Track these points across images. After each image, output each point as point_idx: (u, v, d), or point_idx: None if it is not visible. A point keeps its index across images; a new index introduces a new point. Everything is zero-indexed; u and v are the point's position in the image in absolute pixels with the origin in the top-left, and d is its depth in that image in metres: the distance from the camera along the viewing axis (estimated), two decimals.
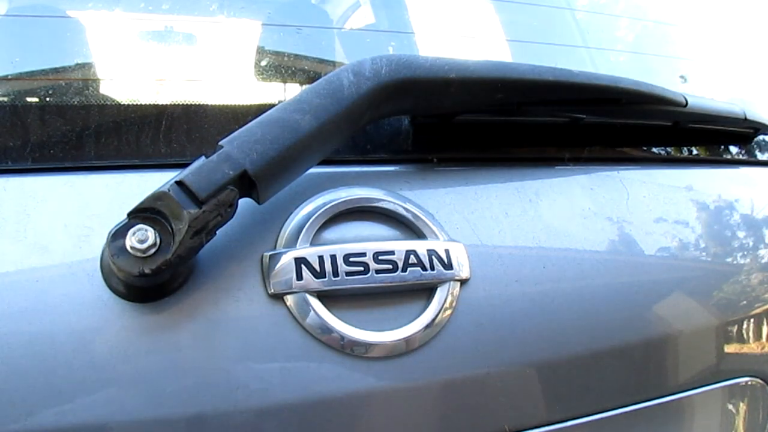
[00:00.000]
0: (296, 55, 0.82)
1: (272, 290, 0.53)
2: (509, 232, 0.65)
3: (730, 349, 0.77)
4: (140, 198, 0.48)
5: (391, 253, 0.56)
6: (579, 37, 1.09)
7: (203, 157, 0.49)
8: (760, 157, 0.97)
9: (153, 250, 0.46)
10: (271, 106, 0.54)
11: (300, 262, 0.54)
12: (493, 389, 0.60)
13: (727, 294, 0.77)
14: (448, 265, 0.58)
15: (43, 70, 0.69)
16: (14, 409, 0.45)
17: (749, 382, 0.78)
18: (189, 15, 0.88)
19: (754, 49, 1.23)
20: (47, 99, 0.63)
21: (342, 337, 0.54)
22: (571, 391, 0.64)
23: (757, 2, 1.36)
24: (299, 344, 0.53)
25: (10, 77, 0.67)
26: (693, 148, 0.93)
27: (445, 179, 0.67)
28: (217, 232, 0.49)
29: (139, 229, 0.46)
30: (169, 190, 0.47)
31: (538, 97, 0.68)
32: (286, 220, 0.57)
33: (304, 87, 0.56)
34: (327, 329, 0.53)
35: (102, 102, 0.64)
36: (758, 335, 0.79)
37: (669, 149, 0.90)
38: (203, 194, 0.47)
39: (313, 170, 0.58)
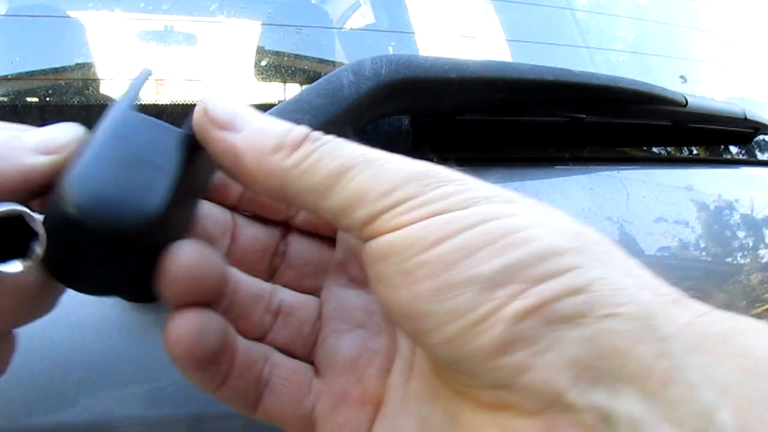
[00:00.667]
0: (296, 55, 0.82)
1: None
2: None
3: None
4: None
5: None
6: (579, 37, 1.09)
7: None
8: (760, 157, 0.97)
9: None
10: (271, 106, 0.54)
11: None
12: None
13: (727, 294, 0.77)
14: None
15: (43, 70, 0.69)
16: (14, 409, 0.45)
17: None
18: (189, 15, 0.88)
19: (755, 49, 1.23)
20: (47, 99, 0.63)
21: None
22: None
23: (757, 2, 1.36)
24: None
25: (10, 77, 0.67)
26: (693, 148, 0.93)
27: None
28: None
29: None
30: None
31: (538, 97, 0.68)
32: None
33: (304, 87, 0.56)
34: None
35: (102, 102, 0.64)
36: None
37: (669, 149, 0.90)
38: None
39: None
